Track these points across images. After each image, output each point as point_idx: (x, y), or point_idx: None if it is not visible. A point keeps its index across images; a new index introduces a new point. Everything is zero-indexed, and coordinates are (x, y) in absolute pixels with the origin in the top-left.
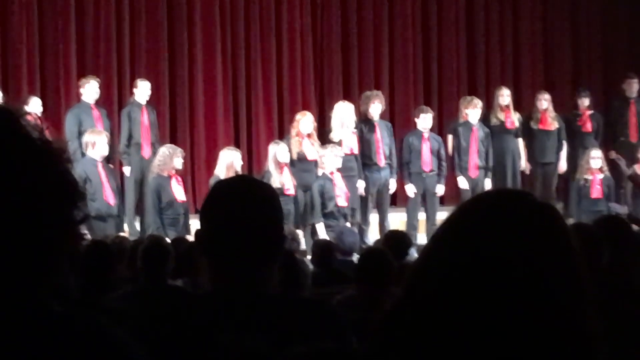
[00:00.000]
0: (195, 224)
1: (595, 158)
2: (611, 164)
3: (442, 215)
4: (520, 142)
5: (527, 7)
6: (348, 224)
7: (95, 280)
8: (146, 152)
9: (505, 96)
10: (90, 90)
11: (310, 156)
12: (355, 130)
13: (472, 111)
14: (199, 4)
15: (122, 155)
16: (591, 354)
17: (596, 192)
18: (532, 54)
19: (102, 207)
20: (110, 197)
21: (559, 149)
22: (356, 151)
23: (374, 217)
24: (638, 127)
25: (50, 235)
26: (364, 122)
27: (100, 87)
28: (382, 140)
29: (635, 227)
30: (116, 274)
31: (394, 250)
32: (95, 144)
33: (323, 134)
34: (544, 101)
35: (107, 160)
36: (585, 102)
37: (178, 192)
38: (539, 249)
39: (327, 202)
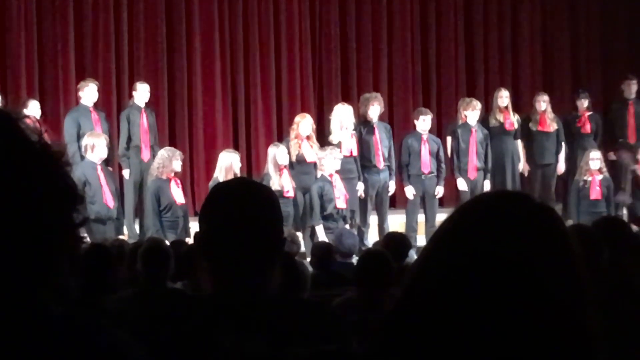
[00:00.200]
0: (194, 226)
1: (595, 159)
2: (611, 165)
3: (441, 217)
4: (519, 143)
5: (526, 8)
6: (347, 226)
7: (95, 283)
8: (145, 154)
9: (504, 98)
10: (89, 93)
11: (309, 158)
12: (354, 132)
13: (471, 113)
14: (197, 7)
15: (122, 158)
16: (591, 354)
17: (595, 193)
18: (531, 55)
19: (102, 210)
20: (109, 200)
21: (558, 150)
22: (355, 153)
23: (373, 219)
24: (636, 128)
25: (49, 239)
26: (363, 124)
27: (99, 90)
28: (381, 142)
29: (635, 227)
30: (116, 276)
31: (393, 252)
32: (95, 146)
33: (322, 136)
34: (543, 102)
35: (107, 163)
36: (584, 103)
37: (177, 194)
38: (537, 250)
39: (327, 204)
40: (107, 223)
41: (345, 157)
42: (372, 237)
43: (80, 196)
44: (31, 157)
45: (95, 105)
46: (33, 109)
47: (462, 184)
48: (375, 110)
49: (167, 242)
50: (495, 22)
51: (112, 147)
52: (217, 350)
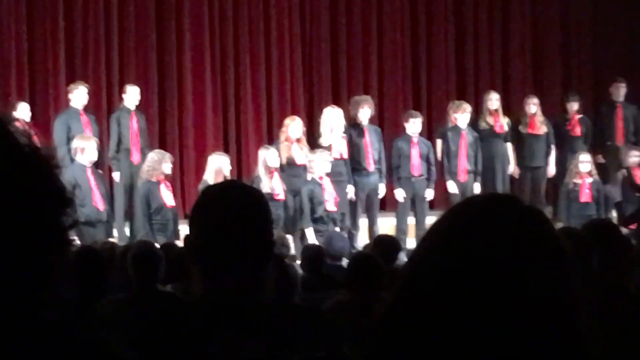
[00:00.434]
0: (184, 229)
1: (584, 162)
2: (600, 168)
3: (431, 220)
4: (509, 146)
5: (516, 11)
6: (337, 229)
7: (85, 286)
8: (135, 157)
9: (494, 100)
10: (79, 95)
11: (299, 161)
12: (345, 135)
13: (461, 116)
14: (187, 10)
15: (112, 161)
16: (582, 355)
17: (585, 196)
18: (521, 58)
19: (92, 213)
20: (99, 203)
21: (548, 153)
22: (345, 156)
23: (363, 222)
24: (624, 131)
25: (39, 242)
26: (353, 127)
27: (89, 93)
28: (372, 145)
29: (624, 230)
30: (106, 279)
31: (383, 255)
32: (84, 149)
33: (312, 139)
34: (533, 105)
35: (97, 165)
36: (574, 106)
37: (167, 197)
38: (527, 253)
39: (317, 207)
40: (97, 226)
41: (335, 159)
42: (362, 239)
43: (70, 199)
44: (20, 160)
45: (85, 108)
46: (23, 112)
47: (452, 187)
48: (365, 113)
49: (157, 245)
50: (485, 25)
51: (102, 150)
52: (208, 354)
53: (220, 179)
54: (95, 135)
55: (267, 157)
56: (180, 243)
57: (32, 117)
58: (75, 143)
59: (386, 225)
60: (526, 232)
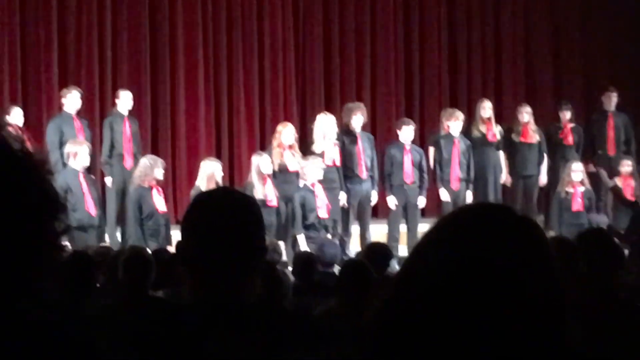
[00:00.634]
0: (176, 234)
1: (577, 171)
2: (592, 177)
3: (423, 228)
4: (502, 154)
5: (508, 19)
6: (329, 236)
7: (76, 291)
8: (128, 162)
9: (486, 109)
10: (72, 100)
11: (291, 167)
12: (337, 142)
13: (454, 123)
14: (181, 15)
15: (104, 166)
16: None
17: (577, 204)
18: (513, 66)
19: (84, 218)
20: (91, 208)
21: (540, 161)
22: (338, 163)
23: (355, 229)
24: (615, 140)
25: (31, 247)
26: (346, 134)
27: (82, 98)
28: (364, 152)
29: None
30: (96, 284)
31: (374, 262)
32: (77, 154)
33: (305, 146)
34: (526, 114)
35: (89, 170)
36: (566, 114)
37: (159, 203)
38: (519, 261)
39: (308, 214)
40: (89, 231)
41: (327, 166)
42: (354, 247)
43: (62, 205)
44: (13, 165)
45: (78, 112)
46: (16, 116)
47: (444, 195)
48: (358, 120)
49: (149, 250)
50: (478, 33)
51: (94, 155)
52: (198, 359)
53: (212, 185)
54: (88, 140)
55: (260, 163)
56: (172, 248)
57: (25, 122)
58: (68, 148)
59: (378, 232)
60: (518, 241)
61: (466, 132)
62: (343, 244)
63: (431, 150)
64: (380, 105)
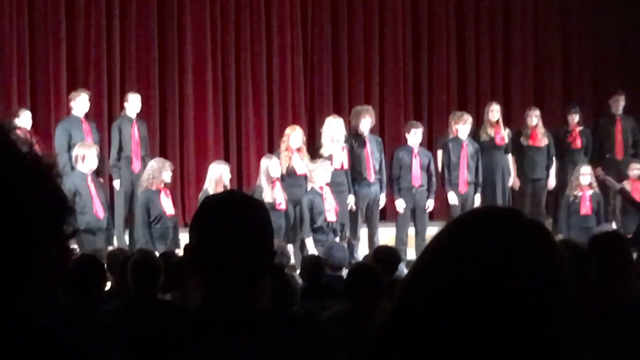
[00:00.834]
0: (184, 237)
1: (585, 174)
2: (599, 181)
3: (431, 231)
4: (510, 158)
5: (517, 23)
6: (337, 239)
7: (84, 295)
8: (136, 165)
9: (495, 112)
10: (80, 103)
11: (299, 171)
12: (345, 145)
13: (462, 127)
14: (189, 18)
15: (112, 169)
16: None
17: (585, 208)
18: (522, 69)
19: (92, 221)
20: (99, 211)
21: (549, 165)
22: (346, 166)
23: (363, 232)
24: (624, 144)
25: (39, 251)
26: (354, 137)
27: (90, 100)
28: (372, 155)
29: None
30: (104, 287)
31: (383, 266)
32: (85, 157)
33: (313, 149)
34: (534, 117)
35: (97, 173)
36: (575, 118)
37: (167, 206)
38: (527, 265)
39: (317, 217)
40: (97, 234)
41: (336, 169)
42: (363, 250)
43: (70, 208)
44: (22, 169)
45: (87, 115)
46: (25, 119)
47: (452, 198)
48: (366, 123)
49: (157, 253)
50: (487, 36)
51: (102, 158)
52: None
53: (220, 188)
54: (96, 143)
55: (270, 166)
56: (180, 252)
57: (34, 125)
58: (76, 151)
59: (386, 235)
60: (526, 245)
61: (474, 135)
62: (351, 247)
63: (439, 153)
64: (388, 108)
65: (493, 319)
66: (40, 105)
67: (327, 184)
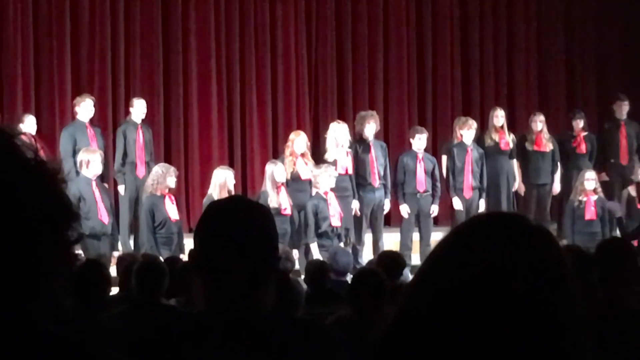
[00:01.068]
0: (189, 243)
1: (590, 180)
2: (604, 186)
3: (436, 236)
4: (515, 163)
5: (521, 28)
6: (342, 244)
7: (89, 300)
8: (141, 171)
9: (499, 117)
10: (85, 108)
11: (304, 176)
12: (350, 150)
13: (467, 132)
14: (193, 24)
15: (117, 174)
16: None
17: (590, 213)
18: (526, 74)
19: (96, 226)
20: (104, 216)
21: (554, 170)
22: (350, 171)
23: (368, 238)
24: (628, 149)
25: (44, 256)
26: (359, 142)
27: (95, 106)
28: (377, 161)
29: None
30: (109, 292)
31: (387, 271)
32: (90, 162)
33: (318, 154)
34: (539, 122)
35: (102, 179)
36: (579, 123)
37: (172, 211)
38: (532, 271)
39: (321, 222)
40: (102, 239)
41: (340, 175)
42: (367, 255)
43: (75, 213)
44: (26, 175)
45: (91, 121)
46: (30, 124)
47: (457, 203)
48: (371, 128)
49: (162, 259)
50: (491, 41)
51: (107, 163)
52: None
53: (224, 194)
54: (100, 148)
55: (275, 171)
56: (184, 257)
57: (38, 130)
58: (81, 156)
59: (391, 241)
60: (531, 251)
61: (479, 140)
62: (356, 253)
63: (444, 158)
64: (393, 113)
65: (498, 324)
66: (45, 110)
67: (332, 189)
